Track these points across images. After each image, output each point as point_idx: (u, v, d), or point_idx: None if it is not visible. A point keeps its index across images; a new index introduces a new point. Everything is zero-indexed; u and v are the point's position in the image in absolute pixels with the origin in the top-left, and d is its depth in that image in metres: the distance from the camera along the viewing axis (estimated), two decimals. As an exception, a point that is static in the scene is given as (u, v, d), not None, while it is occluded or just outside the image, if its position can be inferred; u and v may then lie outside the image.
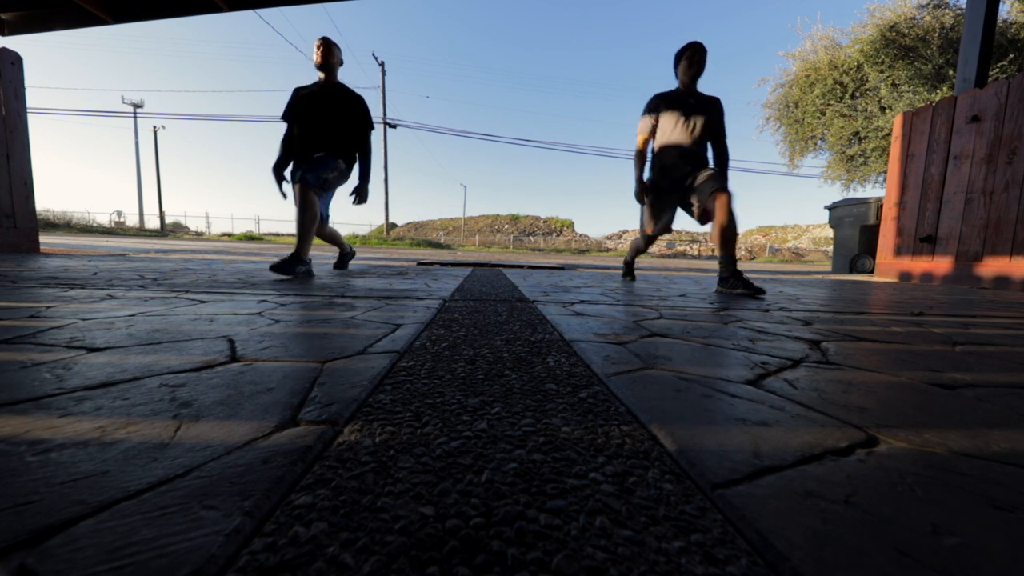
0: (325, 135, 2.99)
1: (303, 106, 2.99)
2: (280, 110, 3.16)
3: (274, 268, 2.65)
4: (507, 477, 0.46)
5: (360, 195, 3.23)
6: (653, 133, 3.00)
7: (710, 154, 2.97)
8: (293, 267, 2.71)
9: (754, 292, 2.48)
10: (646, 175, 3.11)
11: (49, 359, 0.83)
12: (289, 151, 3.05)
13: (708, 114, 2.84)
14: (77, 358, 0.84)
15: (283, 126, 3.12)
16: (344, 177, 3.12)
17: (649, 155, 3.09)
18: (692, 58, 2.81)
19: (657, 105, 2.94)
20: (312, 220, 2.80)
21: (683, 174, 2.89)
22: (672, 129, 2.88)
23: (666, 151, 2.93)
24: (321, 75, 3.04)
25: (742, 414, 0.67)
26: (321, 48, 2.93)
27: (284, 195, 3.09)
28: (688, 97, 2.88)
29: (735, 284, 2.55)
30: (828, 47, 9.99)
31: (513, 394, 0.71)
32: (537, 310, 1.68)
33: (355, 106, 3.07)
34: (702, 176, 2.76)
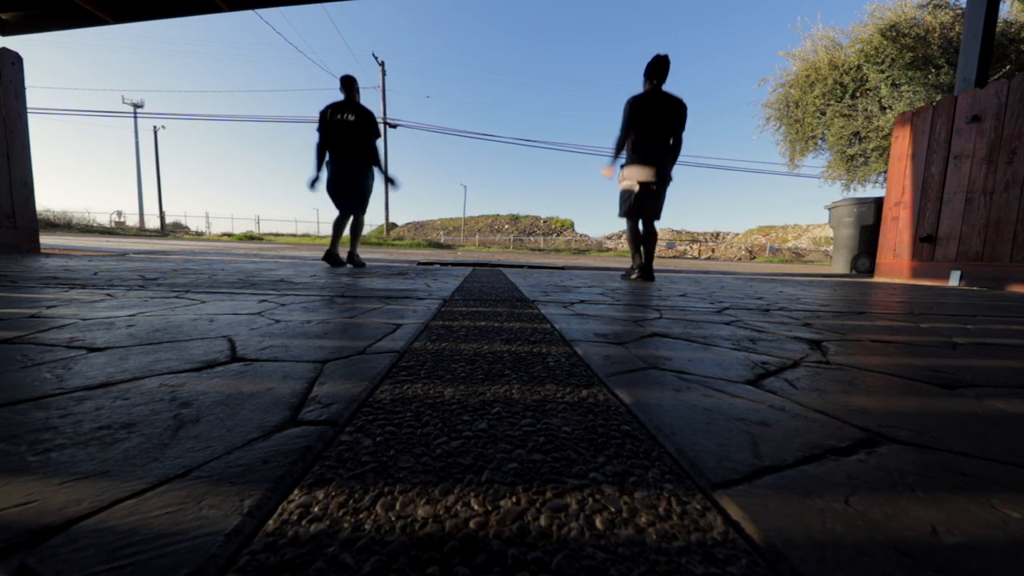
0: (356, 149, 4.01)
1: (337, 121, 3.95)
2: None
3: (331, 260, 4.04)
4: (507, 477, 0.46)
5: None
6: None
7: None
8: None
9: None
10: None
11: (49, 359, 0.83)
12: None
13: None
14: (77, 358, 0.84)
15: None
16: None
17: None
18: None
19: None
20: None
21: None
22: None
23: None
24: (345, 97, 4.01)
25: (742, 414, 0.67)
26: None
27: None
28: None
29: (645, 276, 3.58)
30: (828, 47, 9.99)
31: (513, 394, 0.71)
32: (537, 310, 1.68)
33: (371, 124, 4.05)
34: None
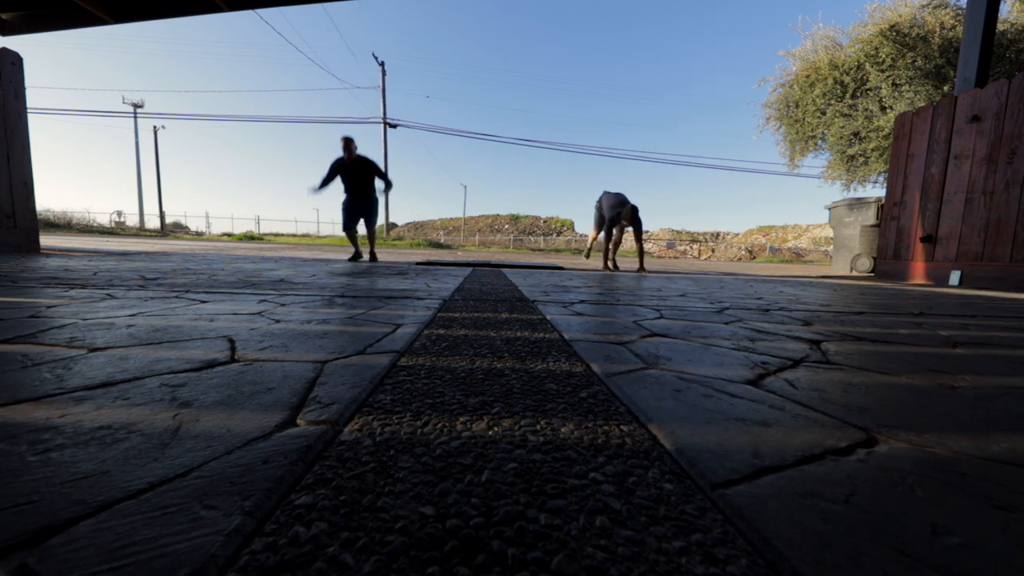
0: (361, 186, 5.11)
1: (345, 170, 5.01)
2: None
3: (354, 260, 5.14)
4: (507, 477, 0.46)
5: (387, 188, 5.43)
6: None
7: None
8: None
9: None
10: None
11: (49, 359, 0.83)
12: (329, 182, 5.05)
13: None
14: (77, 358, 0.84)
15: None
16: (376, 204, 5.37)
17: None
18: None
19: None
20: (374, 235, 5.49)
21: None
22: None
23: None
24: (346, 156, 4.95)
25: (742, 414, 0.67)
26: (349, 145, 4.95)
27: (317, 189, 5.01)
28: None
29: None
30: (828, 47, 9.98)
31: (513, 394, 0.71)
32: (537, 310, 1.68)
33: (372, 166, 5.13)
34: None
